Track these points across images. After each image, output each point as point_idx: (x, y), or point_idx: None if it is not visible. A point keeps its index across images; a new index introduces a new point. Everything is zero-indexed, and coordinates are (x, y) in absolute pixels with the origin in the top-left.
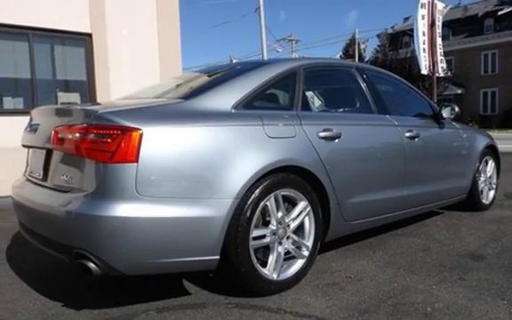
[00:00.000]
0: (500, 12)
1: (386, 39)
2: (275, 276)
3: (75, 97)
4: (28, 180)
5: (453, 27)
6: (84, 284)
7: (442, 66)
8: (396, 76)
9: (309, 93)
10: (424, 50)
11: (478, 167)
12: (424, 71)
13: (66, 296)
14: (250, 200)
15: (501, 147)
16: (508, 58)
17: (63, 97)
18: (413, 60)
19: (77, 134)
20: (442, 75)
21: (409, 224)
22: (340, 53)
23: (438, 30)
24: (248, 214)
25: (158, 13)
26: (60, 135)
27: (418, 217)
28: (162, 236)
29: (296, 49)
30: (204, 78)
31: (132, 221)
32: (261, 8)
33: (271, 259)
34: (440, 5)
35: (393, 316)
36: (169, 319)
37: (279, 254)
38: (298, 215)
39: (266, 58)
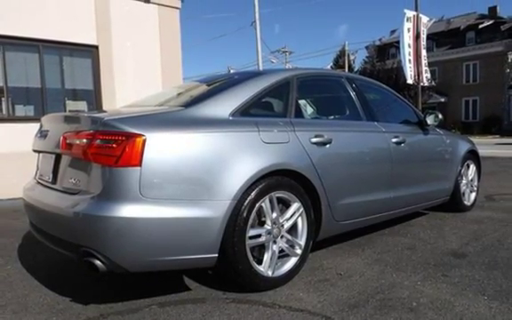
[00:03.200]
0: (480, 26)
1: (374, 51)
2: (270, 273)
3: (82, 105)
4: (39, 182)
5: (437, 39)
6: (91, 280)
7: (426, 76)
8: (384, 85)
9: (302, 101)
10: (410, 61)
11: (460, 171)
12: (410, 81)
13: (74, 291)
14: (246, 202)
15: (482, 151)
16: (488, 68)
17: (71, 105)
18: (400, 70)
19: (84, 140)
20: (426, 84)
21: (395, 224)
22: (331, 64)
23: (423, 42)
24: (244, 215)
25: (160, 26)
26: (68, 141)
27: (404, 217)
28: (164, 235)
29: (290, 60)
30: (204, 87)
31: (136, 222)
32: (257, 22)
33: (266, 256)
34: (425, 19)
35: (380, 311)
36: (170, 313)
37: (274, 252)
38: (291, 216)
39: (261, 68)
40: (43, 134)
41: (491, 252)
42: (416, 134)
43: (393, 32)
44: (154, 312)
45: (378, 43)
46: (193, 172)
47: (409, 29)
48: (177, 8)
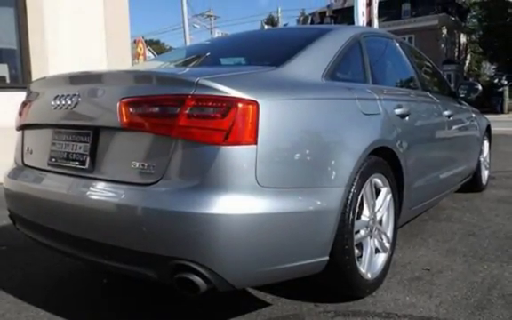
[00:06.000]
0: None
1: (320, 18)
2: (369, 276)
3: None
4: (49, 170)
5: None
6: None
7: None
8: (422, 53)
9: (374, 65)
10: None
11: (481, 148)
12: None
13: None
14: (353, 188)
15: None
16: (423, 42)
17: None
18: None
19: (170, 108)
20: None
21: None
22: None
23: (374, 11)
24: (353, 205)
25: None
26: (133, 110)
27: None
28: (282, 236)
29: (215, 25)
30: (271, 42)
31: (255, 219)
32: None
33: (364, 255)
34: None
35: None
36: None
37: (371, 249)
38: (382, 203)
39: (187, 33)
40: (62, 102)
41: None
42: (456, 107)
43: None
44: None
45: (325, 10)
46: (309, 151)
47: None
48: None
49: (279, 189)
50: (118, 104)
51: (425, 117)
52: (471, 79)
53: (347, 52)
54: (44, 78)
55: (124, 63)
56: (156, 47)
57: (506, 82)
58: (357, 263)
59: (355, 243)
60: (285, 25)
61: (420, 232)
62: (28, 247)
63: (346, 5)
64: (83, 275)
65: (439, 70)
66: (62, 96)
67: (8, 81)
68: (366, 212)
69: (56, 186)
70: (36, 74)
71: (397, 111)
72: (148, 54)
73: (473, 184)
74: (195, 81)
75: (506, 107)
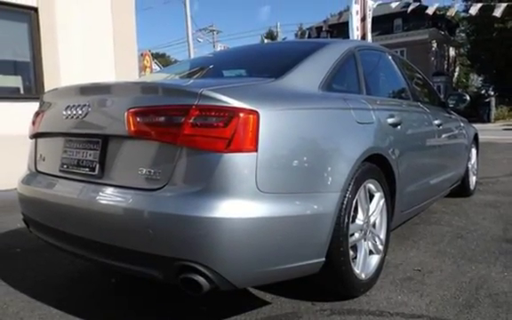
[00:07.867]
0: (409, 9)
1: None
2: (363, 276)
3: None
4: (62, 176)
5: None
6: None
7: None
8: (413, 66)
9: (368, 77)
10: None
11: (469, 155)
12: None
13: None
14: (348, 193)
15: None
16: (414, 55)
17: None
18: None
19: (175, 118)
20: None
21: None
22: None
23: (368, 26)
24: (348, 209)
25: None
26: (141, 119)
27: None
28: (281, 238)
29: (218, 39)
30: (271, 55)
31: (255, 223)
32: None
33: (359, 256)
34: (370, 2)
35: (500, 308)
36: None
37: (365, 251)
38: (375, 208)
39: (191, 47)
40: (73, 112)
41: None
42: (445, 116)
43: (340, 14)
44: None
45: (322, 25)
46: (306, 158)
47: (357, 12)
48: None
49: (278, 194)
50: (126, 114)
51: (416, 126)
52: (460, 90)
53: (342, 64)
54: (56, 89)
55: (132, 75)
56: (162, 60)
57: (492, 93)
58: (352, 264)
59: (350, 245)
60: (284, 39)
61: (412, 235)
62: (40, 249)
63: (341, 20)
64: (92, 275)
65: (429, 82)
66: (73, 106)
67: (22, 92)
68: (360, 216)
69: (67, 191)
70: (48, 85)
71: (390, 120)
72: (155, 67)
73: (461, 189)
74: (198, 92)
75: (492, 116)
